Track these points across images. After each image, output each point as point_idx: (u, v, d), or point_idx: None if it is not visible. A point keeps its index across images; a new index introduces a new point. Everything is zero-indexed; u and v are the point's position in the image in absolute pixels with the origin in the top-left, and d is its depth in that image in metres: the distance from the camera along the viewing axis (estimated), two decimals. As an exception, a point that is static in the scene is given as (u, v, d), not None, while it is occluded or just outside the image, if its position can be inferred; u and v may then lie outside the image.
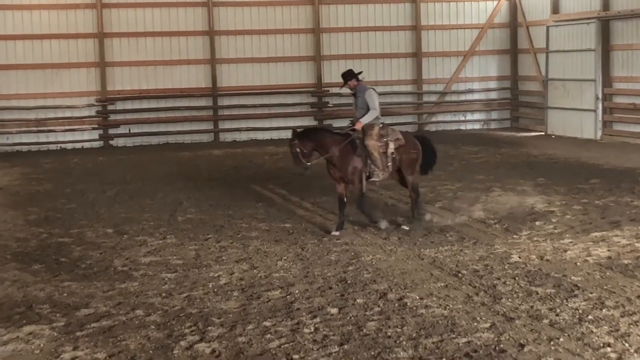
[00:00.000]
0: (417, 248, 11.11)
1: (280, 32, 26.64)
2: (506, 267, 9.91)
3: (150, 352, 7.38)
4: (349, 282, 9.49)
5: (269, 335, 7.70)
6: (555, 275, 9.49)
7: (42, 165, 21.28)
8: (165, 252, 11.34)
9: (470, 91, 28.22)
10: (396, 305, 8.53)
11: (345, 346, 7.35)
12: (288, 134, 13.42)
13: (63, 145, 25.17)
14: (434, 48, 27.83)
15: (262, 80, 26.55)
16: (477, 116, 28.50)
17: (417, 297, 8.76)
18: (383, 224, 12.27)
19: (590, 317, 7.94)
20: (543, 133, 25.83)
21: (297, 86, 26.62)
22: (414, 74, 27.68)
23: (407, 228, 12.30)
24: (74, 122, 25.33)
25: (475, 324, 7.83)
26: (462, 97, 28.23)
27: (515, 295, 8.73)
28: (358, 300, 8.72)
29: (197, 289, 9.39)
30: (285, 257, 10.80)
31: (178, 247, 11.67)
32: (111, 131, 25.68)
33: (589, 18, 23.95)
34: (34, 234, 12.74)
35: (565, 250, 10.66)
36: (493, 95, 28.54)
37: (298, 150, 12.22)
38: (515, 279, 9.36)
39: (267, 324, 8.04)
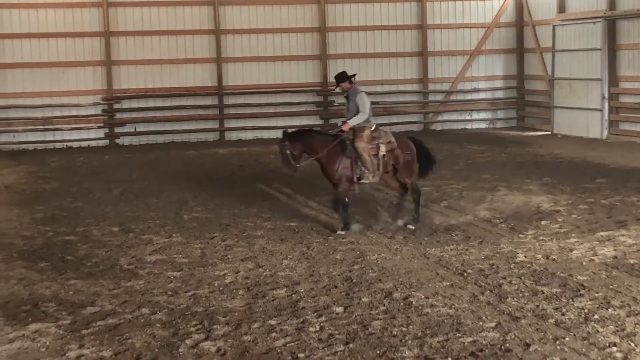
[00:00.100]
0: (423, 247, 11.10)
1: (286, 31, 26.64)
2: (512, 267, 9.90)
3: (156, 350, 7.39)
4: (354, 281, 9.49)
5: (274, 334, 7.70)
6: (561, 274, 9.48)
7: (48, 164, 21.32)
8: (171, 251, 11.35)
9: (476, 90, 28.18)
10: (402, 304, 8.53)
11: (351, 345, 7.35)
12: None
13: (69, 144, 25.21)
14: (440, 47, 27.79)
15: (267, 79, 26.55)
16: (483, 115, 28.46)
17: (423, 296, 8.76)
18: (355, 227, 12.13)
19: (596, 316, 7.93)
20: (549, 132, 25.79)
21: (302, 85, 26.59)
22: (420, 73, 27.66)
23: (413, 227, 12.29)
24: (80, 121, 25.36)
25: (481, 323, 7.82)
26: (468, 96, 28.19)
27: (521, 295, 8.72)
28: (363, 299, 8.72)
29: (202, 288, 9.40)
30: (290, 256, 10.81)
31: (184, 245, 11.68)
32: (117, 130, 25.70)
33: (595, 17, 23.90)
34: (40, 232, 12.76)
35: (571, 250, 10.65)
36: (499, 94, 28.50)
37: (288, 152, 12.15)
38: (521, 279, 9.35)
39: (272, 322, 8.04)
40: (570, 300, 8.48)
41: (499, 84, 28.45)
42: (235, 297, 9.01)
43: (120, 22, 25.50)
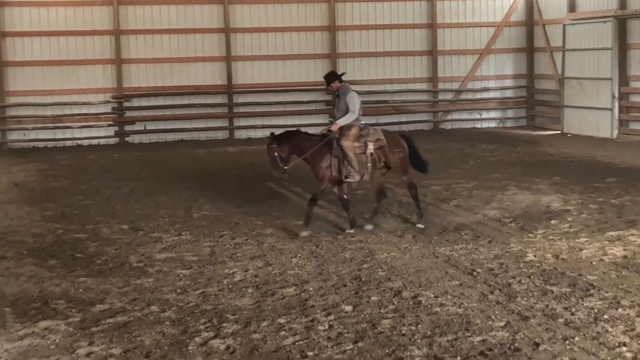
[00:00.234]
0: (432, 246, 11.09)
1: (296, 30, 26.65)
2: (521, 266, 9.89)
3: (165, 348, 7.41)
4: (363, 279, 9.48)
5: (283, 332, 7.71)
6: (571, 274, 9.46)
7: (58, 162, 21.38)
8: (180, 249, 11.37)
9: (486, 89, 28.14)
10: (411, 303, 8.52)
11: (360, 344, 7.35)
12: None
13: (79, 142, 25.29)
14: (450, 46, 27.75)
15: (277, 78, 26.55)
16: (492, 114, 28.41)
17: (432, 295, 8.75)
18: (304, 233, 11.88)
19: (605, 316, 7.91)
20: (559, 132, 25.72)
21: (312, 84, 26.54)
22: (430, 71, 27.63)
23: (422, 226, 12.28)
24: (90, 119, 25.42)
25: (490, 322, 7.81)
26: (478, 95, 28.15)
27: (530, 294, 8.71)
28: (372, 298, 8.72)
29: (211, 286, 9.41)
30: (299, 255, 10.81)
31: (193, 243, 11.70)
32: (127, 128, 25.77)
33: (605, 16, 23.83)
34: (50, 230, 12.80)
35: (581, 249, 10.62)
36: (509, 93, 28.45)
37: (276, 154, 12.03)
38: (530, 278, 9.33)
39: (281, 320, 8.05)
40: (580, 299, 8.46)
41: (508, 83, 28.40)
42: (245, 295, 9.02)
43: (131, 20, 25.56)
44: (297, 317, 8.14)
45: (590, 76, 24.48)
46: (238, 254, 10.96)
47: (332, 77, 12.56)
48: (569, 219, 12.55)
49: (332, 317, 8.12)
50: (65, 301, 8.90)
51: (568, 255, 10.36)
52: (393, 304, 8.50)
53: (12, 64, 24.77)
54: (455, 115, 28.12)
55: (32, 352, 7.36)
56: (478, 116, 28.23)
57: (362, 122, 12.38)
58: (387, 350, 7.16)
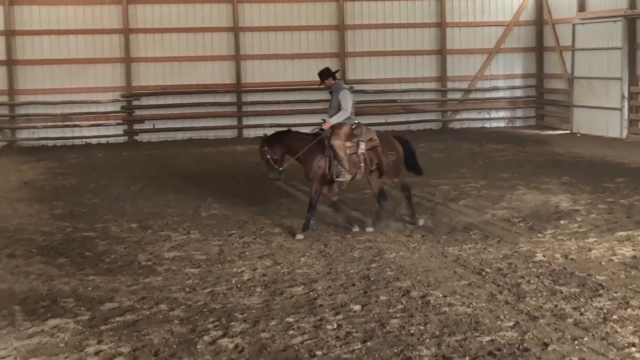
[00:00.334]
0: (441, 246, 11.08)
1: (305, 29, 26.63)
2: (530, 266, 9.87)
3: (174, 346, 7.41)
4: (372, 279, 9.48)
5: (291, 331, 7.71)
6: (580, 274, 9.43)
7: (67, 160, 21.43)
8: (189, 247, 11.39)
9: (495, 89, 28.09)
10: (419, 302, 8.51)
11: (368, 343, 7.34)
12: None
13: (88, 140, 25.33)
14: (459, 45, 27.69)
15: (286, 77, 26.53)
16: (501, 114, 28.35)
17: (441, 295, 8.74)
18: (299, 236, 11.77)
19: (614, 316, 7.88)
20: (568, 131, 25.66)
21: (320, 83, 26.49)
22: (439, 71, 27.59)
23: (430, 226, 12.25)
24: (99, 118, 25.45)
25: (499, 322, 7.80)
26: (487, 95, 28.09)
27: (539, 294, 8.69)
28: (381, 298, 8.71)
29: (220, 285, 9.42)
30: (308, 254, 10.81)
31: (202, 242, 11.71)
32: (136, 126, 25.80)
33: (615, 16, 23.75)
34: (59, 228, 12.83)
35: (590, 250, 10.59)
36: (518, 93, 28.39)
37: (269, 157, 11.98)
38: (539, 278, 9.31)
39: (289, 320, 8.05)
40: (589, 300, 8.44)
41: (518, 82, 28.34)
42: (253, 294, 9.02)
43: (140, 19, 25.58)
44: (306, 316, 8.14)
45: (599, 76, 24.41)
46: (247, 253, 10.96)
47: (326, 74, 12.52)
48: (578, 219, 12.52)
49: (340, 316, 8.12)
50: (74, 299, 8.92)
51: (577, 255, 10.33)
52: (402, 303, 8.50)
53: (21, 63, 24.83)
54: (464, 115, 28.07)
55: (41, 350, 7.38)
56: (487, 116, 28.17)
57: (355, 121, 12.30)
58: (395, 350, 7.15)
